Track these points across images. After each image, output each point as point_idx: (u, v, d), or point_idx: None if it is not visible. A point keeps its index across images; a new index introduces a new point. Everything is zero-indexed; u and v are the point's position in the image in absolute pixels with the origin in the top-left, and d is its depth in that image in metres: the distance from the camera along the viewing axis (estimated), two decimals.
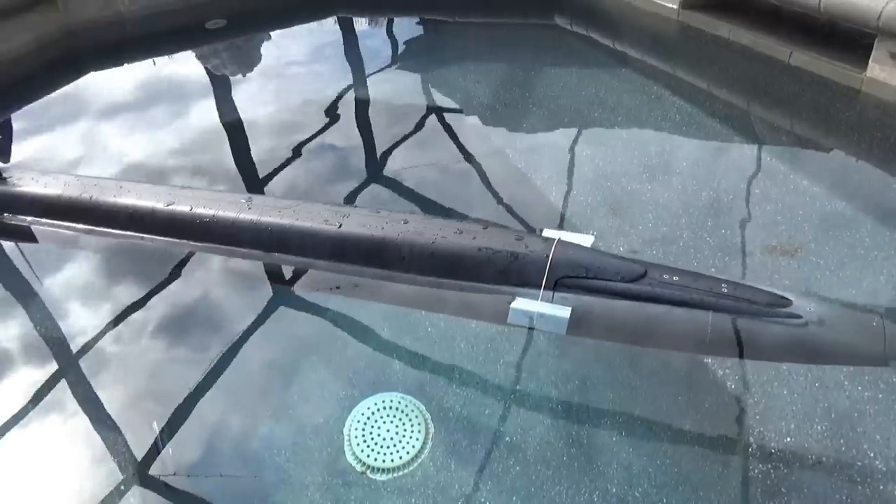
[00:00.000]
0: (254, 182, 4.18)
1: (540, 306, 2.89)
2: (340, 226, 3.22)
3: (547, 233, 3.31)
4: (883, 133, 4.14)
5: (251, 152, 4.49)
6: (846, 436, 2.38)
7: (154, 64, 5.93)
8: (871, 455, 2.32)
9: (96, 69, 5.79)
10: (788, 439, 2.39)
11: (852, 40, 4.67)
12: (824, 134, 4.37)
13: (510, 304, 2.93)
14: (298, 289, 3.28)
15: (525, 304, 2.91)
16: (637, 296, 2.86)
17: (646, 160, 4.05)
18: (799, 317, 2.73)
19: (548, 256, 2.94)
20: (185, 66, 5.87)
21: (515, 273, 2.98)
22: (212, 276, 3.36)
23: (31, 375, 2.90)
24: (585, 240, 3.22)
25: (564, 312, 2.86)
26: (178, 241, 3.46)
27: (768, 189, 3.71)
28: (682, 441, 2.47)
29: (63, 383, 2.86)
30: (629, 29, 6.01)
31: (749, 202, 3.61)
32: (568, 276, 2.92)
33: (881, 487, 2.23)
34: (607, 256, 3.02)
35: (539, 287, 2.92)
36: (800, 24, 5.05)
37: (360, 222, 3.23)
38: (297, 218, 3.29)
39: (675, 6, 5.74)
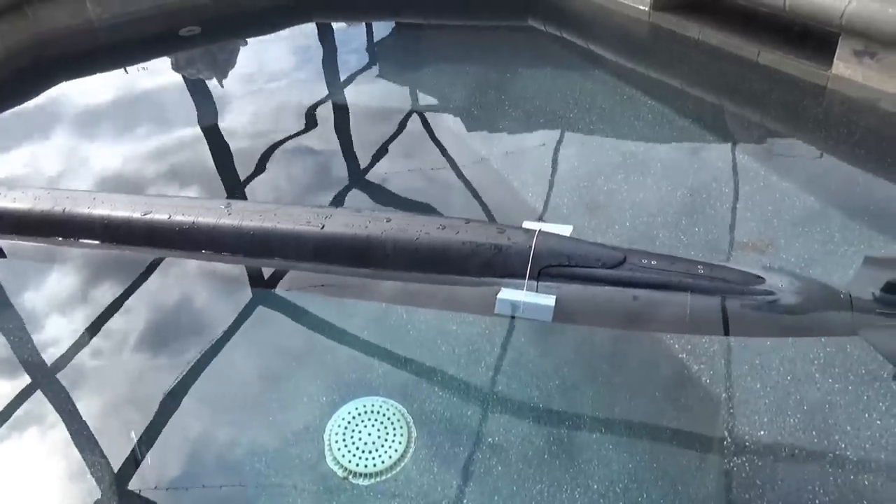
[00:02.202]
0: (232, 188, 4.17)
1: (525, 296, 2.95)
2: (323, 227, 3.23)
3: (527, 225, 3.36)
4: (849, 129, 4.23)
5: (229, 159, 4.46)
6: (818, 427, 2.44)
7: (127, 72, 5.87)
8: (843, 446, 2.38)
9: (68, 78, 5.72)
10: (762, 432, 2.45)
11: (818, 39, 4.76)
12: (793, 131, 4.45)
13: (496, 295, 2.98)
14: (281, 293, 3.28)
15: (511, 294, 2.97)
16: (618, 281, 2.94)
17: (620, 160, 4.11)
18: (772, 293, 2.83)
19: (530, 247, 3.00)
20: (160, 73, 5.81)
21: (500, 265, 3.03)
22: (192, 283, 3.36)
23: (5, 392, 2.86)
24: (564, 230, 3.30)
25: (549, 301, 2.93)
26: (157, 249, 3.44)
27: (739, 186, 3.78)
28: (661, 437, 2.51)
29: (40, 398, 2.83)
30: (602, 30, 6.08)
31: (721, 200, 3.67)
32: (551, 266, 2.99)
33: (852, 477, 2.29)
34: (587, 244, 3.10)
35: (523, 277, 2.99)
36: (767, 24, 5.15)
37: (342, 222, 3.25)
38: (278, 221, 3.29)
39: (645, 7, 5.81)
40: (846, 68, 4.50)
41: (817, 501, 2.23)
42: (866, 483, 2.27)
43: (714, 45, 5.30)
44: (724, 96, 4.87)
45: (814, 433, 2.43)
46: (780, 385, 2.60)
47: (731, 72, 5.04)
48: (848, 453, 2.35)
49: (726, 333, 2.83)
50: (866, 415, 2.47)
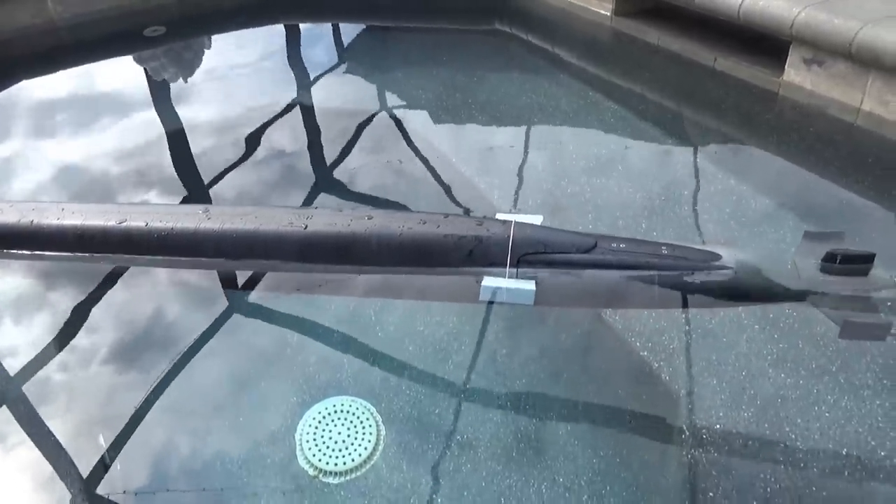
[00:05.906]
0: (202, 192, 4.15)
1: (507, 283, 3.11)
2: (306, 227, 3.27)
3: (500, 216, 3.50)
4: (799, 135, 4.39)
5: (198, 162, 4.45)
6: (770, 420, 2.56)
7: (90, 72, 5.79)
8: (793, 437, 2.50)
9: (29, 78, 5.63)
10: (718, 426, 2.56)
11: (771, 46, 4.93)
12: (747, 135, 4.60)
13: (480, 283, 3.13)
14: (261, 295, 3.31)
15: (494, 282, 3.13)
16: (592, 264, 3.13)
17: (583, 164, 4.21)
18: (729, 267, 3.09)
19: (509, 237, 3.15)
20: (124, 74, 5.75)
21: (481, 255, 3.18)
22: (172, 290, 3.35)
23: None
24: (536, 219, 3.47)
25: (530, 286, 3.09)
26: (132, 256, 3.41)
27: (697, 190, 3.91)
28: (623, 431, 2.61)
29: (5, 411, 2.80)
30: (566, 34, 6.20)
31: (679, 203, 3.79)
32: (529, 253, 3.15)
33: (802, 466, 2.40)
34: (561, 232, 3.27)
35: (504, 266, 3.14)
36: (724, 31, 5.31)
37: (325, 222, 3.30)
38: (260, 223, 3.32)
39: (607, 13, 5.95)
40: (796, 75, 4.67)
41: (769, 489, 2.34)
42: (815, 471, 2.39)
43: (673, 51, 5.44)
44: (682, 101, 5.01)
45: (766, 426, 2.54)
46: (735, 380, 2.72)
47: (689, 77, 5.18)
48: (798, 444, 2.47)
49: (691, 306, 3.06)
50: (815, 408, 2.59)
